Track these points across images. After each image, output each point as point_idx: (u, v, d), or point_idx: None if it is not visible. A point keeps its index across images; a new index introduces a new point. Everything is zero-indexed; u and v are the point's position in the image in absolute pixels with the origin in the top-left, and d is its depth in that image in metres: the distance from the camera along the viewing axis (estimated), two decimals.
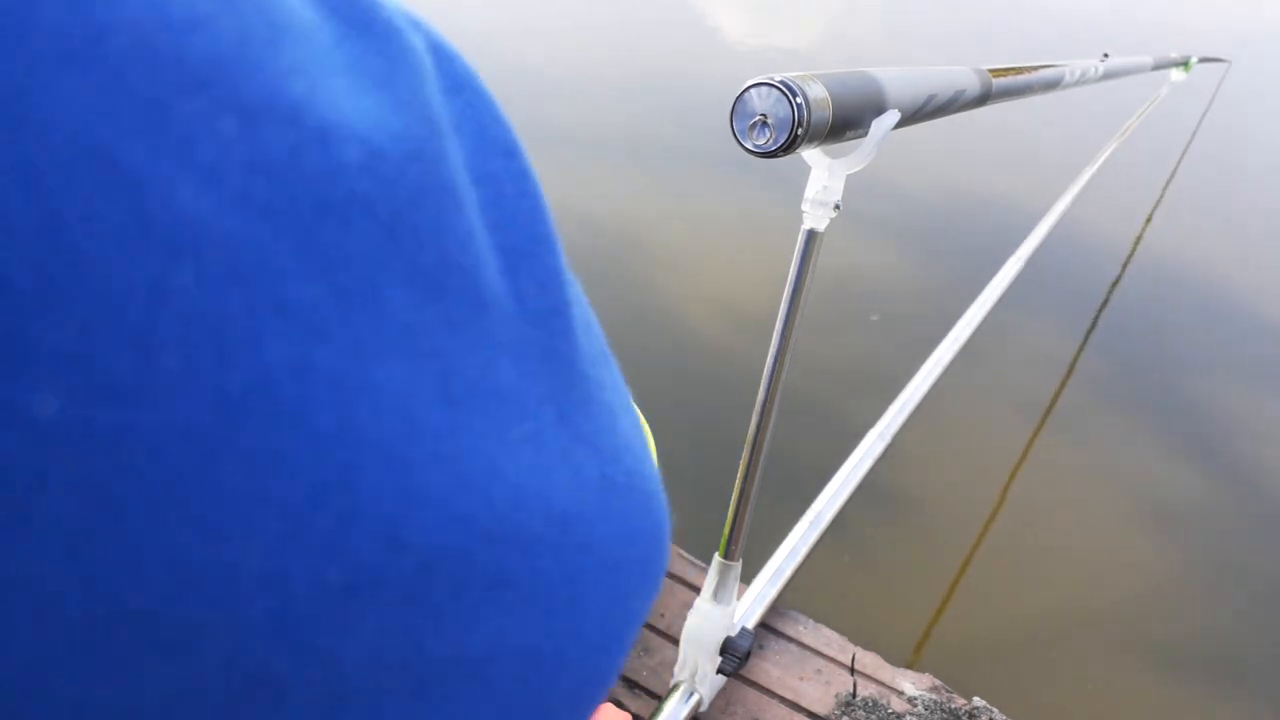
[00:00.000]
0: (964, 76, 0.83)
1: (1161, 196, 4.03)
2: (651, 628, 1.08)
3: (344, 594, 0.10)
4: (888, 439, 1.26)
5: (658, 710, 0.92)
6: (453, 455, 0.12)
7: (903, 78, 0.70)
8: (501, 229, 0.14)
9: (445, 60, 0.15)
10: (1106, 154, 2.52)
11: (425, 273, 0.11)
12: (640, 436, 0.17)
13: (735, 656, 0.93)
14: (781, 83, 0.57)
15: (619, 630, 0.16)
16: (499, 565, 0.12)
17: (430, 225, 0.12)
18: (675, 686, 0.94)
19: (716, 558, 0.90)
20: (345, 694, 0.11)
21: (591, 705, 0.16)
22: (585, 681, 0.15)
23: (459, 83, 0.15)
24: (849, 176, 0.71)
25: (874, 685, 1.03)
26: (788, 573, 1.07)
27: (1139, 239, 3.62)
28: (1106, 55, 1.62)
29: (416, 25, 0.15)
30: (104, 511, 0.09)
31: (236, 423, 0.10)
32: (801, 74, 0.59)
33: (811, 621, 1.11)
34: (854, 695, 1.02)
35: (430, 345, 0.11)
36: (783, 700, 1.01)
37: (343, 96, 0.11)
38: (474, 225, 0.13)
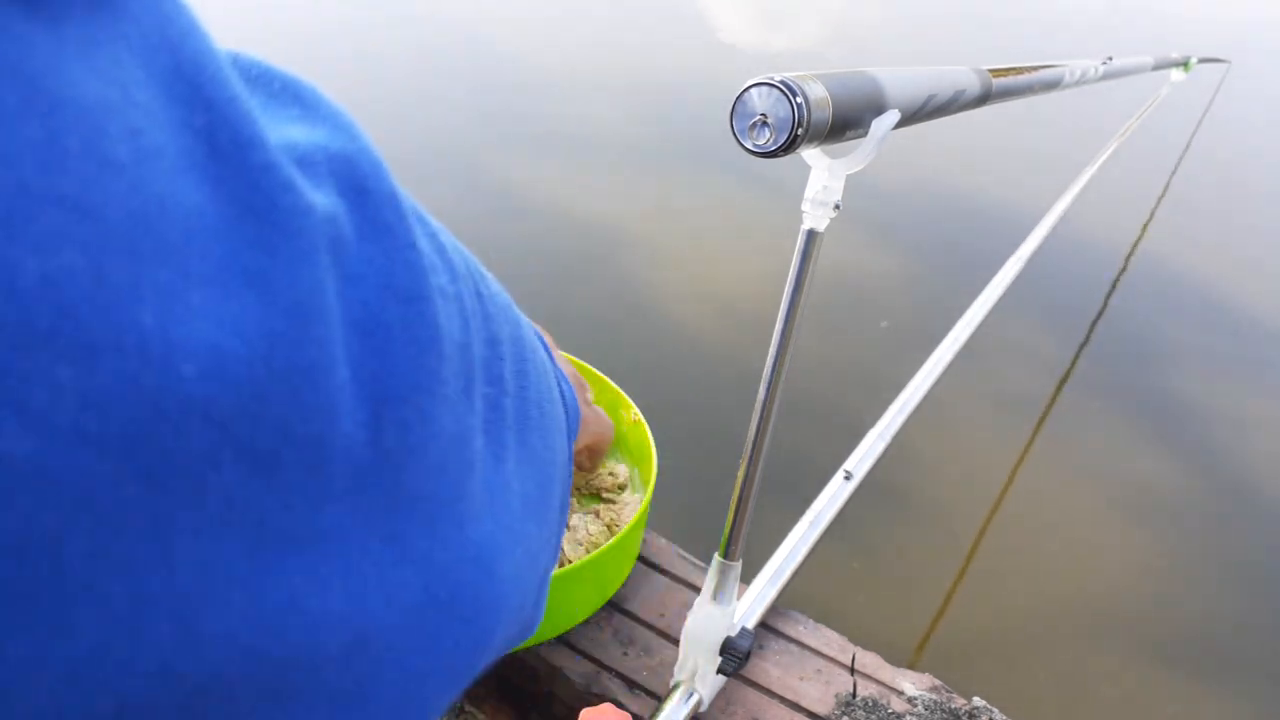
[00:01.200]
0: (964, 76, 0.83)
1: (1161, 196, 4.03)
2: (651, 628, 1.08)
3: (115, 717, 0.12)
4: (888, 439, 1.26)
5: (657, 710, 0.92)
6: (247, 597, 0.13)
7: (903, 78, 0.70)
8: (379, 378, 0.15)
9: (365, 205, 0.16)
10: (1106, 154, 2.52)
11: (259, 455, 0.13)
12: (510, 536, 0.19)
13: (735, 656, 0.93)
14: (781, 82, 0.57)
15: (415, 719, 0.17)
16: (277, 684, 0.14)
17: (273, 413, 0.13)
18: (675, 686, 0.94)
19: (716, 558, 0.90)
20: None
21: None
22: None
23: (377, 228, 0.16)
24: (849, 176, 0.71)
25: (874, 685, 1.03)
26: (788, 573, 1.07)
27: (1139, 239, 3.62)
28: (1110, 59, 1.62)
29: (337, 163, 0.16)
30: None
31: (28, 598, 0.11)
32: (801, 74, 0.59)
33: (811, 621, 1.11)
34: (854, 695, 1.02)
35: (249, 507, 0.13)
36: (783, 700, 1.01)
37: (200, 309, 0.12)
38: (335, 390, 0.14)
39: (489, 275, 0.25)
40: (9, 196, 0.10)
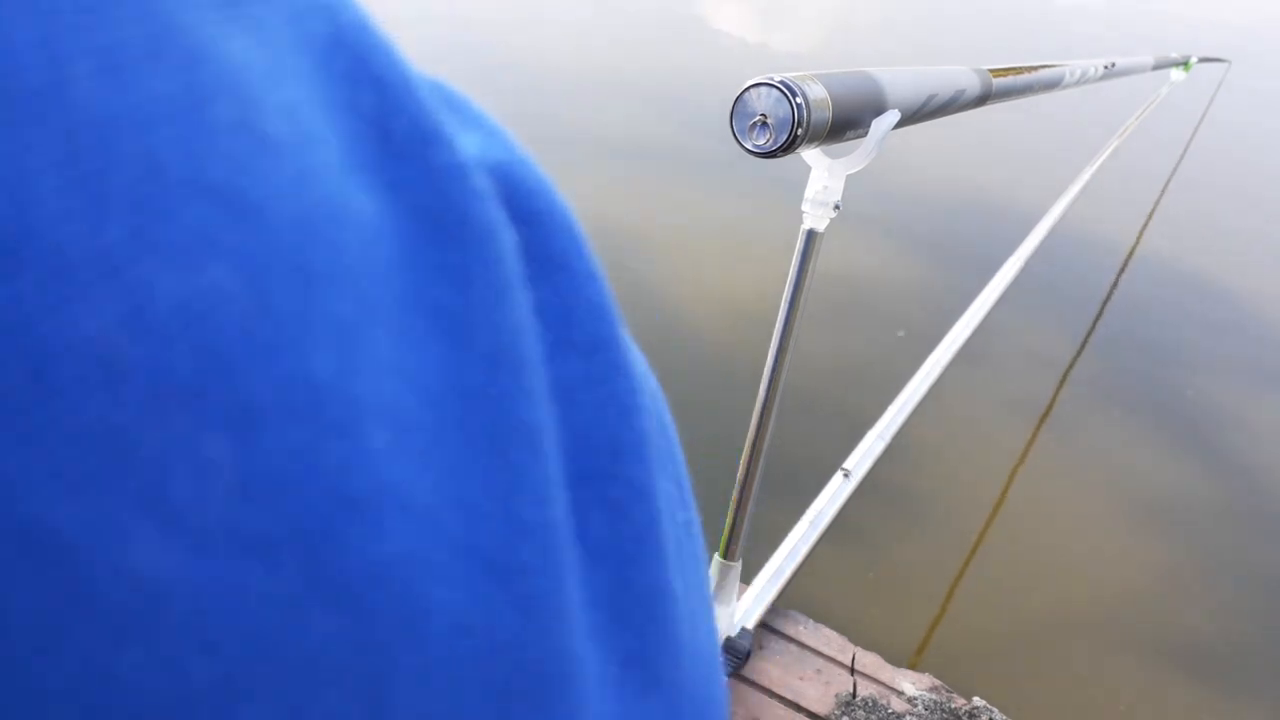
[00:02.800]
0: (964, 76, 0.83)
1: (1161, 196, 4.03)
2: None
3: None
4: (888, 439, 1.26)
5: None
6: None
7: (903, 78, 0.70)
8: (572, 453, 0.12)
9: (536, 236, 0.12)
10: (1106, 154, 2.52)
11: (500, 689, 0.10)
12: (712, 628, 0.16)
13: (735, 656, 0.93)
14: (781, 83, 0.57)
15: None
16: None
17: (508, 632, 0.10)
18: None
19: (716, 558, 0.90)
20: None
21: None
22: None
23: (549, 264, 0.12)
24: (849, 176, 0.71)
25: (874, 685, 1.03)
26: (787, 573, 1.07)
27: (1138, 238, 3.62)
28: (1110, 62, 1.62)
29: (505, 179, 0.12)
30: None
31: None
32: (801, 74, 0.59)
33: (811, 621, 1.11)
34: (854, 695, 1.02)
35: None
36: (783, 700, 1.01)
37: (385, 358, 0.09)
38: (550, 455, 0.11)
39: None
40: (136, 177, 0.08)
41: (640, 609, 0.12)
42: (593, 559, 0.12)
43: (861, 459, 1.22)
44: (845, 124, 0.62)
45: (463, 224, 0.10)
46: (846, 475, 1.19)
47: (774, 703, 1.00)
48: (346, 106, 0.10)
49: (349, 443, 0.08)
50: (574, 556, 0.11)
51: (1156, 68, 2.52)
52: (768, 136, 0.58)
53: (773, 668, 1.04)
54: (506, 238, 0.11)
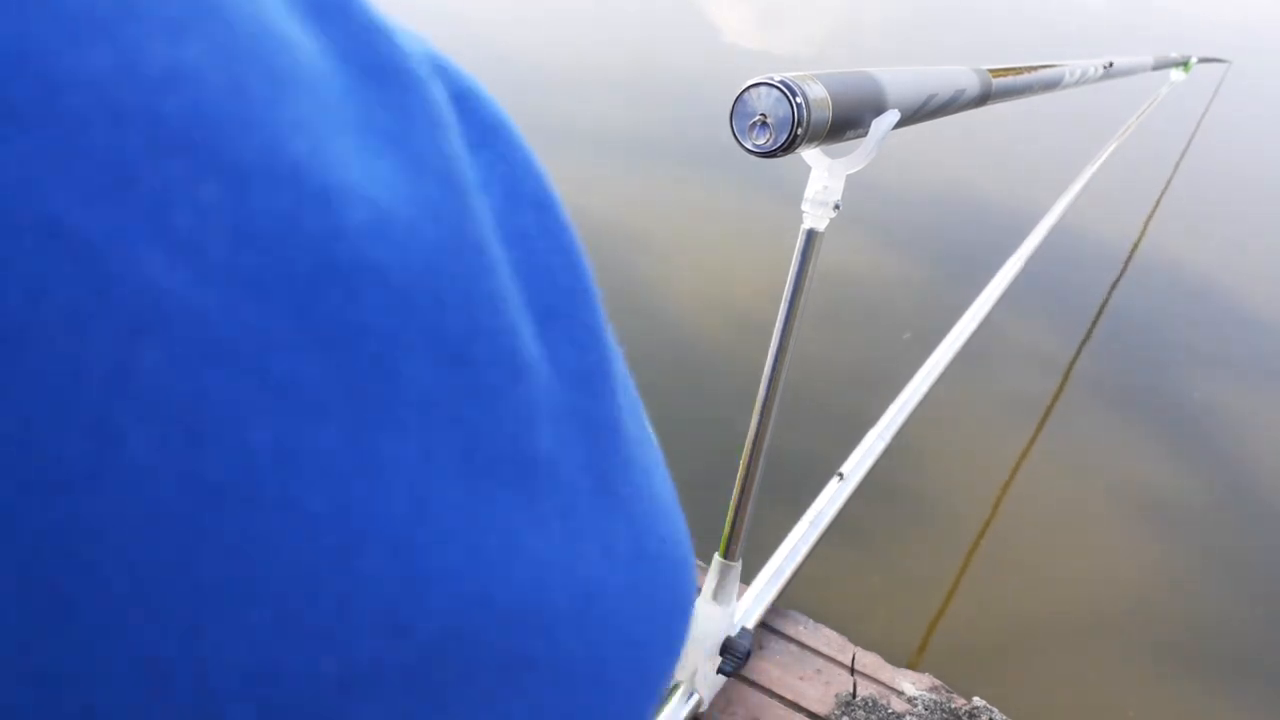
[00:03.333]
0: (964, 76, 0.83)
1: (1161, 196, 4.03)
2: None
3: (339, 686, 0.10)
4: (888, 439, 1.26)
5: (657, 710, 0.92)
6: (469, 531, 0.11)
7: (903, 77, 0.70)
8: (534, 289, 0.13)
9: (471, 108, 0.14)
10: (1106, 154, 2.53)
11: (449, 341, 0.11)
12: (673, 494, 0.17)
13: (735, 656, 0.93)
14: (781, 82, 0.57)
15: (643, 706, 0.15)
16: (516, 647, 0.11)
17: (454, 290, 0.11)
18: (675, 686, 0.94)
19: (716, 558, 0.90)
20: None
21: None
22: None
23: (487, 133, 0.14)
24: (849, 176, 0.71)
25: (874, 685, 1.03)
26: (788, 573, 1.07)
27: (1139, 239, 3.62)
28: (1110, 62, 1.62)
29: (441, 69, 0.13)
30: (52, 610, 0.08)
31: (213, 510, 0.09)
32: (801, 74, 0.59)
33: (811, 621, 1.11)
34: (854, 695, 1.02)
35: (452, 416, 0.11)
36: (783, 700, 1.01)
37: (350, 156, 0.10)
38: (506, 288, 0.12)
39: None
40: None
41: (604, 435, 0.13)
42: (565, 380, 0.13)
43: (861, 459, 1.22)
44: (845, 124, 0.62)
45: (395, 72, 0.12)
46: (841, 478, 1.19)
47: (774, 702, 1.00)
48: None
49: (330, 214, 0.09)
50: (545, 381, 0.12)
51: (1156, 68, 2.52)
52: (768, 136, 0.58)
53: (773, 668, 1.04)
54: (438, 90, 0.12)
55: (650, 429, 0.17)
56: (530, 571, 0.11)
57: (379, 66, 0.11)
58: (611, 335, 0.15)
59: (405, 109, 0.11)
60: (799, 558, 1.08)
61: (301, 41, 0.10)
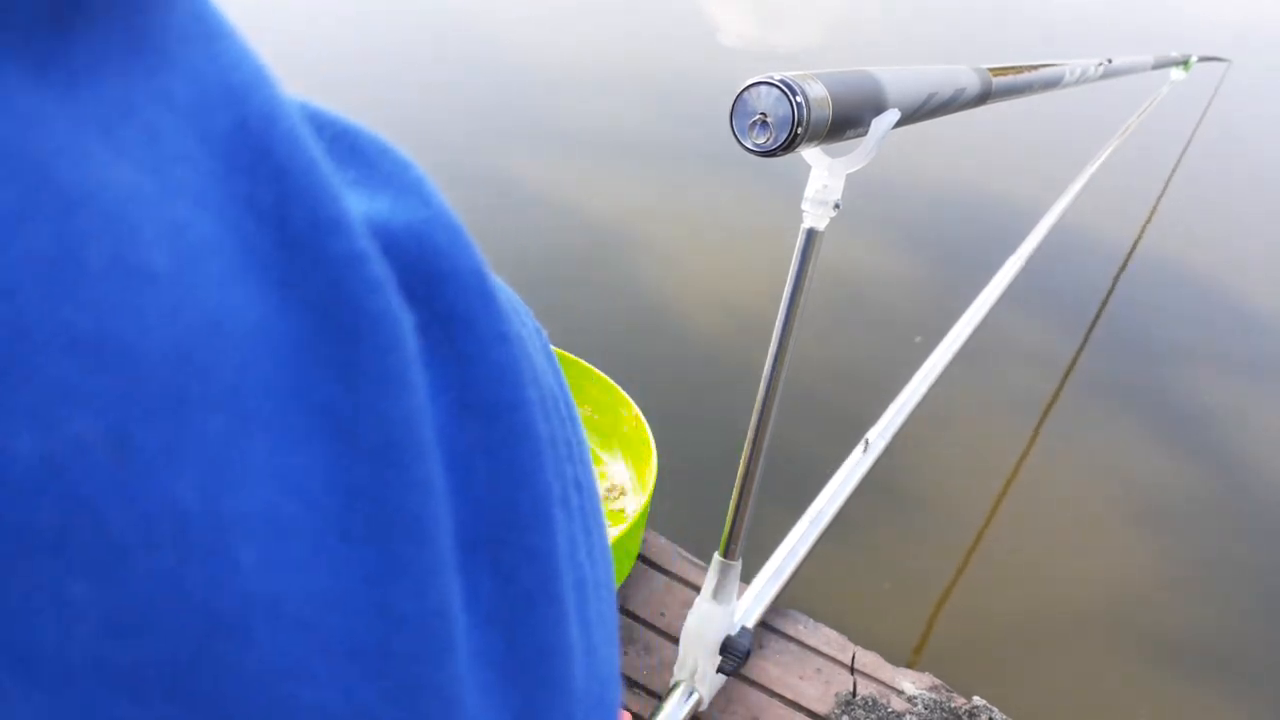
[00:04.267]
0: (964, 75, 0.83)
1: (1161, 196, 4.03)
2: (652, 627, 1.08)
3: None
4: (888, 438, 1.26)
5: (658, 709, 0.92)
6: None
7: (903, 76, 0.70)
8: (463, 515, 0.12)
9: (444, 298, 0.12)
10: (1106, 153, 2.52)
11: (361, 662, 0.10)
12: (610, 670, 0.16)
13: (735, 655, 0.93)
14: (781, 81, 0.57)
15: None
16: None
17: (363, 596, 0.10)
18: (675, 686, 0.94)
19: (716, 557, 0.90)
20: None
21: None
22: None
23: (451, 328, 0.12)
24: (849, 175, 0.71)
25: (874, 684, 1.03)
26: (788, 572, 1.07)
27: (1139, 238, 3.62)
28: (1110, 60, 1.61)
29: (399, 247, 0.12)
30: None
31: None
32: (801, 73, 0.59)
33: (811, 621, 1.11)
34: (854, 694, 1.02)
35: None
36: (783, 699, 1.01)
37: (261, 466, 0.09)
38: (445, 552, 0.11)
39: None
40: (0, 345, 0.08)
41: (528, 671, 0.13)
42: (484, 622, 0.12)
43: (862, 458, 1.22)
44: (845, 123, 0.62)
45: (354, 315, 0.10)
46: (867, 447, 1.22)
47: (774, 702, 1.00)
48: (245, 202, 0.10)
49: (215, 563, 0.09)
50: (463, 625, 0.11)
51: (1156, 67, 2.52)
52: (768, 135, 0.58)
53: (773, 667, 1.04)
54: (402, 322, 0.11)
55: (583, 490, 0.17)
56: None
57: (344, 313, 0.10)
58: (566, 536, 0.14)
59: (355, 372, 0.10)
60: (799, 557, 1.08)
61: (241, 315, 0.09)
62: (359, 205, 0.12)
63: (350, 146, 0.14)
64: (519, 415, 0.13)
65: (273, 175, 0.10)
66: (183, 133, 0.10)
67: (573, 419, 0.16)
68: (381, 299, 0.11)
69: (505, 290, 0.15)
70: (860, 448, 1.24)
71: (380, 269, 0.11)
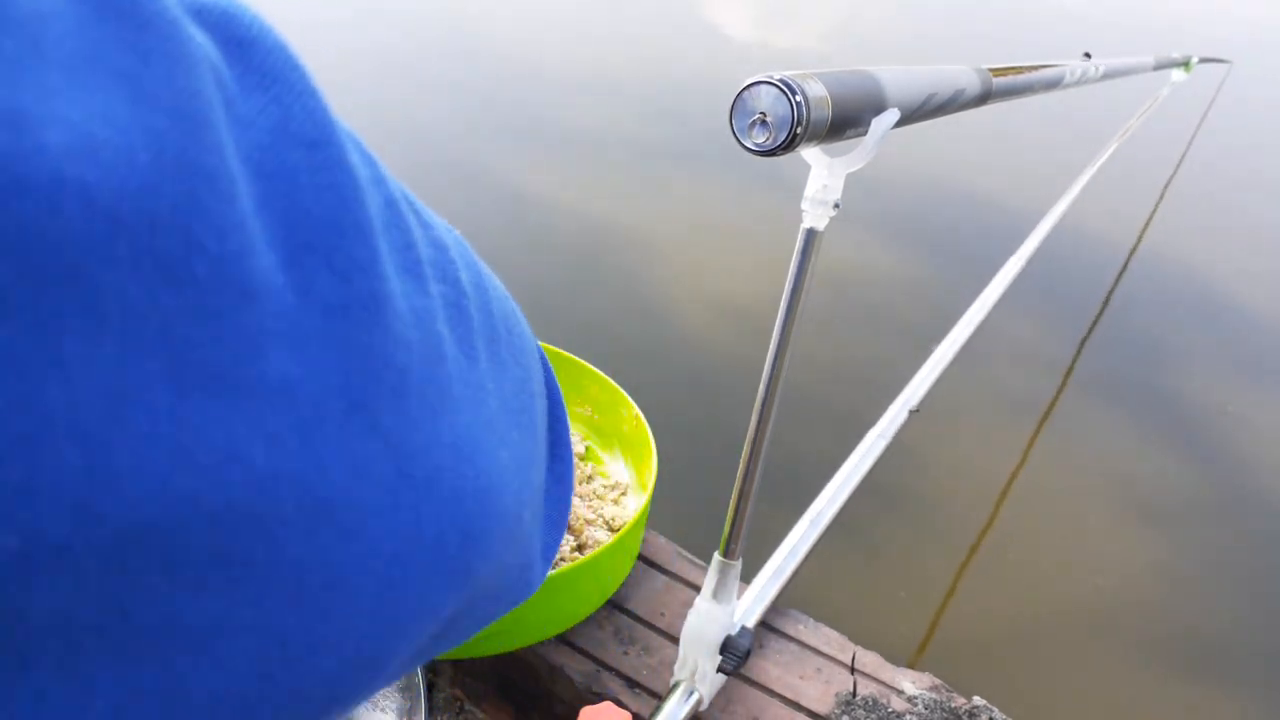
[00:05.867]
0: (964, 75, 0.83)
1: (1162, 196, 4.03)
2: (652, 627, 1.08)
3: (21, 559, 0.10)
4: (888, 438, 1.26)
5: (658, 709, 0.92)
6: (174, 435, 0.11)
7: (903, 76, 0.70)
8: (289, 221, 0.13)
9: (247, 55, 0.14)
10: (1107, 154, 2.52)
11: (162, 260, 0.11)
12: (491, 433, 0.18)
13: (735, 655, 0.93)
14: (781, 81, 0.57)
15: (393, 620, 0.16)
16: (229, 544, 0.12)
17: (171, 212, 0.11)
18: (675, 685, 0.94)
19: (716, 557, 0.90)
20: (35, 649, 0.11)
21: (362, 689, 0.16)
22: (349, 665, 0.15)
23: (263, 77, 0.14)
24: (849, 175, 0.71)
25: (874, 684, 1.03)
26: (788, 572, 1.07)
27: (1140, 239, 3.62)
28: (1088, 55, 1.61)
29: (219, 17, 0.14)
30: None
31: None
32: (801, 72, 0.59)
33: (812, 620, 1.11)
34: (854, 694, 1.02)
35: (161, 330, 0.11)
36: (783, 699, 1.01)
37: (59, 89, 0.10)
38: (240, 216, 0.12)
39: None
40: None
41: (366, 363, 0.14)
42: (318, 307, 0.13)
43: (863, 458, 1.22)
44: (845, 122, 0.62)
45: (135, 13, 0.12)
46: (915, 412, 1.27)
47: (774, 701, 1.00)
48: None
49: (19, 135, 0.10)
50: (287, 307, 0.13)
51: (1157, 68, 2.51)
52: (767, 135, 0.58)
53: (773, 666, 1.04)
54: (193, 34, 0.13)
55: (512, 370, 0.19)
56: (248, 477, 0.12)
57: (118, 8, 0.12)
58: (404, 292, 0.15)
59: (140, 47, 0.12)
60: (799, 557, 1.08)
61: None
62: None
63: None
64: (336, 149, 0.15)
65: None
66: None
67: (420, 220, 0.18)
68: (174, 15, 0.12)
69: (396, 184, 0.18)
70: (867, 440, 1.24)
71: (175, 6, 0.13)
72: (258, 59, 0.14)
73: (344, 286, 0.14)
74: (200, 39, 0.13)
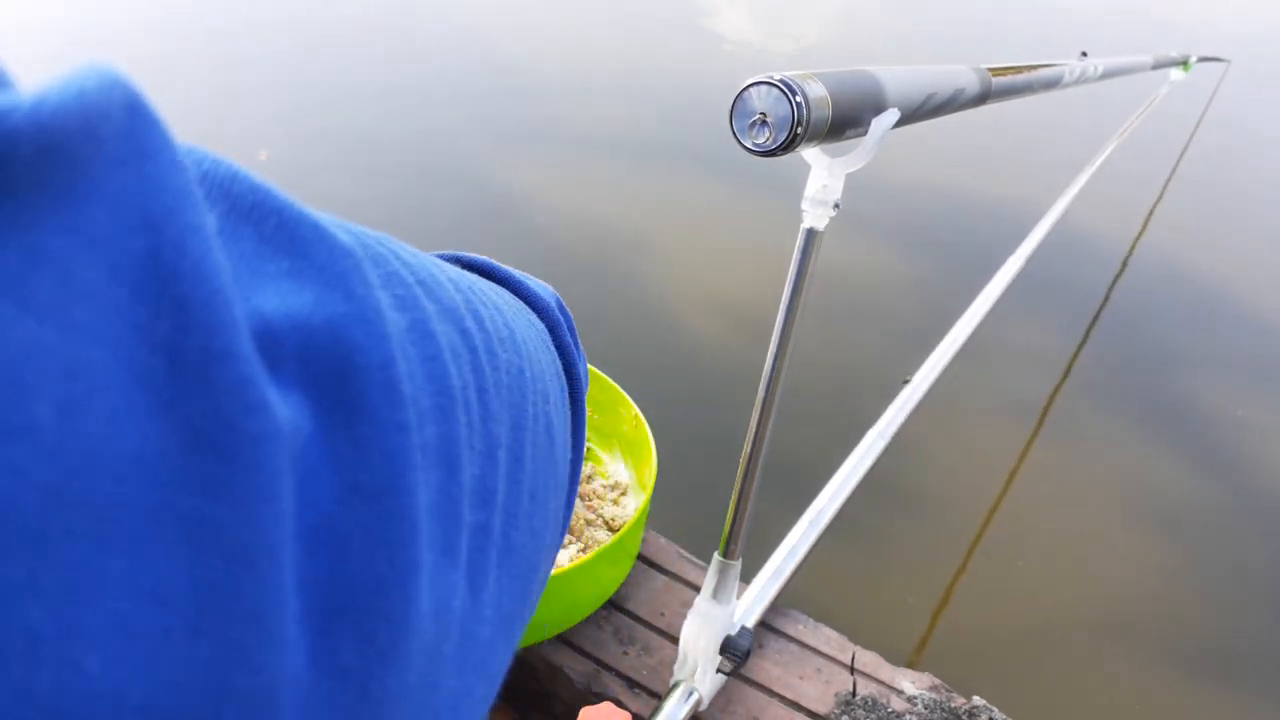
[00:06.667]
0: (964, 75, 0.83)
1: (1161, 196, 4.03)
2: (651, 627, 1.08)
3: None
4: (888, 438, 1.26)
5: (657, 710, 0.92)
6: None
7: (902, 76, 0.70)
8: (329, 592, 0.13)
9: (335, 392, 0.14)
10: (1106, 154, 2.53)
11: None
12: (466, 692, 0.18)
13: (735, 655, 0.93)
14: (781, 81, 0.57)
15: None
16: None
17: (206, 683, 0.11)
18: (675, 686, 0.94)
19: (716, 556, 0.90)
20: None
21: None
22: None
23: (350, 418, 0.14)
24: (849, 175, 0.71)
25: (874, 684, 1.03)
26: (788, 572, 1.07)
27: (1138, 238, 3.62)
28: (1085, 54, 1.61)
29: (309, 347, 0.14)
30: None
31: None
32: (801, 72, 0.59)
33: (811, 620, 1.11)
34: (854, 694, 1.02)
35: None
36: (782, 699, 1.01)
37: (115, 580, 0.10)
38: (283, 638, 0.12)
39: (510, 308, 0.22)
40: None
41: (374, 714, 0.14)
42: (340, 675, 0.13)
43: (862, 458, 1.22)
44: (845, 123, 0.62)
45: (229, 436, 0.11)
46: (906, 381, 1.28)
47: (774, 701, 1.00)
48: (141, 332, 0.11)
49: (63, 671, 0.09)
50: (306, 684, 0.13)
51: (1156, 67, 2.51)
52: (767, 135, 0.58)
53: (772, 666, 1.04)
54: (278, 439, 0.12)
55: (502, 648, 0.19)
56: None
57: (219, 433, 0.11)
58: (434, 593, 0.15)
59: (222, 487, 0.11)
60: (799, 557, 1.08)
61: (122, 442, 0.10)
62: (278, 302, 0.14)
63: (290, 237, 0.15)
64: (400, 499, 0.14)
65: (174, 306, 0.11)
66: (94, 267, 0.11)
67: (549, 457, 0.19)
68: (259, 419, 0.12)
69: (506, 305, 0.17)
70: (866, 441, 1.24)
71: (262, 390, 0.12)
72: (353, 394, 0.14)
73: (365, 647, 0.14)
74: (288, 414, 0.13)
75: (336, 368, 0.14)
